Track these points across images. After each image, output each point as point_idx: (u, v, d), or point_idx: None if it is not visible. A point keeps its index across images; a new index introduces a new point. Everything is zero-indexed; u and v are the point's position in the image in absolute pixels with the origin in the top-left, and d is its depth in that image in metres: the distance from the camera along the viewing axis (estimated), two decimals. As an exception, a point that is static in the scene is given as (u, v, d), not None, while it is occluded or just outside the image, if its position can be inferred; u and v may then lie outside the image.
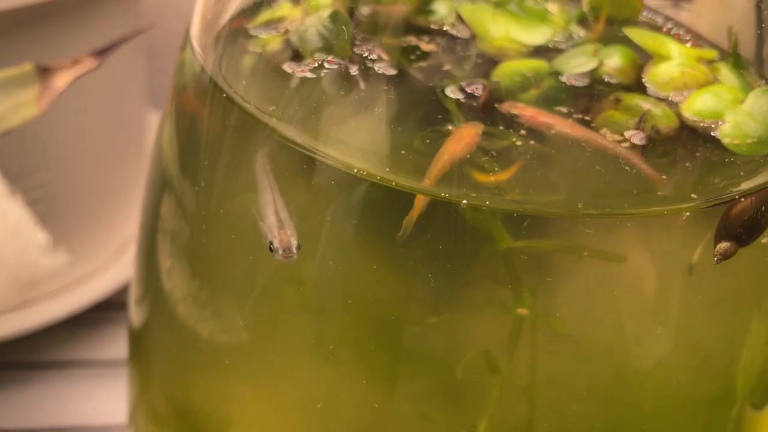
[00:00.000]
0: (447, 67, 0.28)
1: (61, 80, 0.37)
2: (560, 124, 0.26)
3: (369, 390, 0.26)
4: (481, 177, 0.24)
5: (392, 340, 0.26)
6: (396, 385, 0.26)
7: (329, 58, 0.27)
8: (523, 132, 0.26)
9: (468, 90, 0.26)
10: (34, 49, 0.42)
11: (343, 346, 0.26)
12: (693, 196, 0.25)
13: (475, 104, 0.26)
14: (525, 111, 0.26)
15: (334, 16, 0.27)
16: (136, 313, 0.31)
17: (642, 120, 0.26)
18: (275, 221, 0.25)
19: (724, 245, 0.24)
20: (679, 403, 0.27)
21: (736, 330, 0.27)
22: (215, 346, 0.28)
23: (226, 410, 0.28)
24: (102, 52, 0.38)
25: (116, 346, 0.48)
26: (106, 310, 0.48)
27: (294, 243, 0.24)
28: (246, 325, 0.27)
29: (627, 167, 0.25)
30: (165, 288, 0.29)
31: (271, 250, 0.24)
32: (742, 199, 0.24)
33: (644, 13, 0.32)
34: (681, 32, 0.31)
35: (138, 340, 0.31)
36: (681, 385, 0.27)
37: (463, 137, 0.25)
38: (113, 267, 0.50)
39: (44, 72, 0.37)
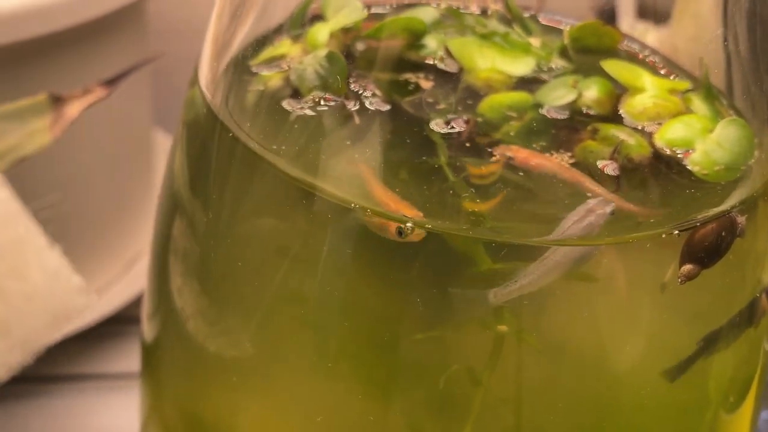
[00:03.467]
0: (436, 100, 0.30)
1: (73, 109, 0.39)
2: (551, 166, 0.27)
3: (369, 402, 0.28)
4: (467, 205, 0.26)
5: (389, 355, 0.27)
6: (392, 398, 0.28)
7: (326, 95, 0.29)
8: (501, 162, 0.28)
9: (453, 124, 0.28)
10: (47, 78, 0.44)
11: (344, 361, 0.28)
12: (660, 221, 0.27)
13: (458, 137, 0.28)
14: (519, 153, 0.27)
15: (330, 57, 0.29)
16: (148, 328, 0.33)
17: (615, 151, 0.28)
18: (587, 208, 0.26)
19: (687, 268, 0.26)
20: (657, 411, 0.29)
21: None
22: (224, 361, 0.29)
23: (235, 424, 0.30)
24: (112, 81, 0.40)
25: (126, 359, 0.49)
26: (115, 324, 0.50)
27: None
28: (254, 341, 0.29)
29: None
30: (176, 305, 0.31)
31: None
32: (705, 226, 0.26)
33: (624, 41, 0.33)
34: (657, 59, 0.33)
35: (150, 355, 0.33)
36: (658, 394, 0.28)
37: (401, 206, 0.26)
38: (122, 282, 0.52)
39: (57, 101, 0.39)
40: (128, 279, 0.52)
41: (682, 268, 0.26)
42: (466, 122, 0.28)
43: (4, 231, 0.36)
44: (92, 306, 0.39)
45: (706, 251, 0.26)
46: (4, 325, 0.36)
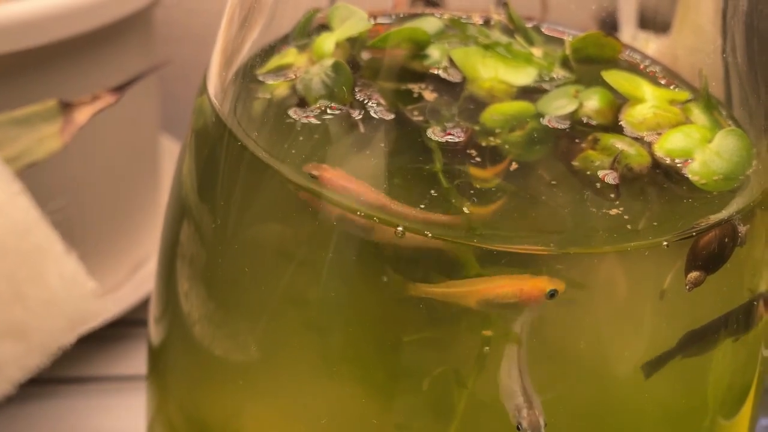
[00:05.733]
0: (439, 109, 0.30)
1: (82, 115, 0.39)
2: (358, 190, 0.27)
3: (375, 405, 0.28)
4: (473, 209, 0.27)
5: (393, 359, 0.28)
6: (396, 401, 0.28)
7: (332, 104, 0.29)
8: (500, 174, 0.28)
9: (451, 133, 0.29)
10: (55, 85, 0.44)
11: (349, 365, 0.28)
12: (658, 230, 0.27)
13: (456, 145, 0.29)
14: (326, 173, 0.27)
15: (336, 67, 0.29)
16: (155, 332, 0.33)
17: (615, 161, 0.28)
18: (524, 400, 0.26)
19: (694, 275, 0.26)
20: (655, 418, 0.29)
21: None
22: (231, 364, 0.30)
23: (241, 427, 0.31)
24: (120, 88, 0.41)
25: (131, 362, 0.49)
26: (121, 327, 0.50)
27: (542, 423, 0.26)
28: (261, 345, 0.29)
29: (594, 209, 0.27)
30: (183, 308, 0.31)
31: (518, 429, 0.26)
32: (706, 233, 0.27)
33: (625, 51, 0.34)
34: (657, 69, 0.34)
35: (157, 357, 0.34)
36: (656, 401, 0.29)
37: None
38: (128, 286, 0.52)
39: (66, 107, 0.39)
40: (134, 282, 0.52)
41: (689, 275, 0.26)
42: (464, 131, 0.29)
43: (24, 239, 0.37)
44: (104, 310, 0.40)
45: (710, 257, 0.26)
46: (24, 329, 0.37)
